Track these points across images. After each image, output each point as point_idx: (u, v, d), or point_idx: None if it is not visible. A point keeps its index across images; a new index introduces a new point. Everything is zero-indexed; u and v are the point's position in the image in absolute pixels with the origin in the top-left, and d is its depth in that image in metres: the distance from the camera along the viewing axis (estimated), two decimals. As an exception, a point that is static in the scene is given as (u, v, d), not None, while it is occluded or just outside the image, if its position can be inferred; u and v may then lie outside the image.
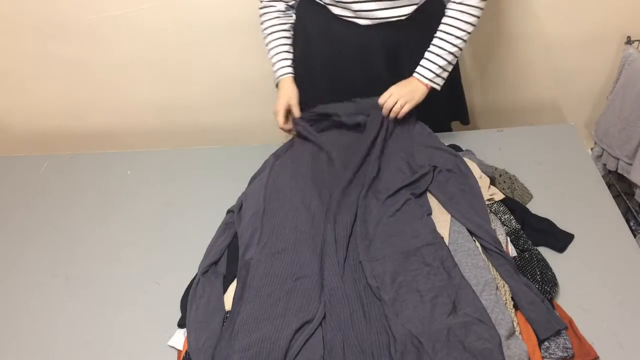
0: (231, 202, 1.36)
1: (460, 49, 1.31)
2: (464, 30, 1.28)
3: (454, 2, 1.27)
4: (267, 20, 1.41)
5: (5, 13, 1.65)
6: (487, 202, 1.25)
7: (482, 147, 1.48)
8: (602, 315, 1.07)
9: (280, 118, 1.41)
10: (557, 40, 1.75)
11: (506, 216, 1.24)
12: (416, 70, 1.35)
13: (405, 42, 1.34)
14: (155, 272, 1.29)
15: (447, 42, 1.29)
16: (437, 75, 1.34)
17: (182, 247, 1.34)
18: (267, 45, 1.43)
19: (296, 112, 1.41)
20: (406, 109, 1.34)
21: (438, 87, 1.36)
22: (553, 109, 1.96)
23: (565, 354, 0.99)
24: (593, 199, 1.33)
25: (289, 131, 1.44)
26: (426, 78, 1.34)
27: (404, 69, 1.38)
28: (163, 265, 1.30)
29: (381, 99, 1.35)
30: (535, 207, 1.30)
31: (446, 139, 1.48)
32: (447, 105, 1.57)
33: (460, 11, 1.26)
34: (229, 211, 1.35)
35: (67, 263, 1.34)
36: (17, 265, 1.35)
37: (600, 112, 1.77)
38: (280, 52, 1.42)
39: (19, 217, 1.49)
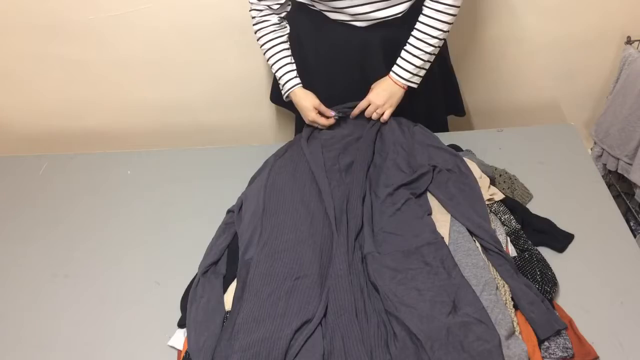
0: (231, 202, 1.36)
1: (437, 48, 1.31)
2: (440, 30, 1.28)
3: (430, 0, 1.26)
4: (263, 35, 1.40)
5: (5, 13, 1.65)
6: (487, 202, 1.25)
7: (482, 147, 1.48)
8: (602, 315, 1.07)
9: (320, 119, 1.42)
10: (557, 40, 1.74)
11: (506, 216, 1.24)
12: (393, 70, 1.35)
13: (403, 38, 1.34)
14: (155, 272, 1.29)
15: (424, 42, 1.29)
16: (414, 75, 1.34)
17: (181, 247, 1.34)
18: (268, 60, 1.43)
19: (325, 109, 1.42)
20: (387, 115, 1.38)
21: (415, 86, 1.37)
22: (553, 109, 1.96)
23: (565, 354, 0.99)
24: (593, 199, 1.33)
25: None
26: (403, 79, 1.35)
27: None
28: (163, 265, 1.30)
29: (366, 112, 1.40)
30: (535, 207, 1.30)
31: (446, 139, 1.48)
32: (443, 100, 1.57)
33: (437, 10, 1.25)
34: (229, 211, 1.35)
35: (67, 263, 1.34)
36: (17, 265, 1.35)
37: (600, 112, 1.77)
38: (285, 65, 1.42)
39: (19, 217, 1.49)
